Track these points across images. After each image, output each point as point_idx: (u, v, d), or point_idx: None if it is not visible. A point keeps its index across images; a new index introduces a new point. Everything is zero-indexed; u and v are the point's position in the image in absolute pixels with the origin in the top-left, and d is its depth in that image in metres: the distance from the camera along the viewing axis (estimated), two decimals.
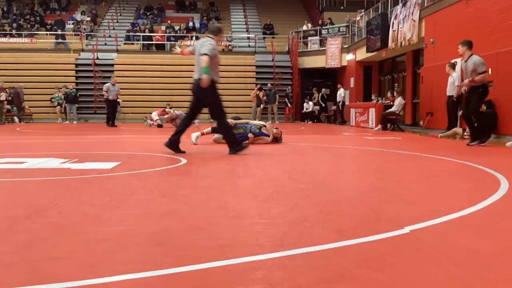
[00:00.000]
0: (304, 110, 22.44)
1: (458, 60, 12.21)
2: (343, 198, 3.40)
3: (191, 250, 2.13)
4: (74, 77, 23.63)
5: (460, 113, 11.37)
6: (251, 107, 22.58)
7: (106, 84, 17.25)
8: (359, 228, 2.54)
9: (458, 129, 11.06)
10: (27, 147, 8.04)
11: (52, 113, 21.99)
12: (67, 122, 21.39)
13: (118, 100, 17.69)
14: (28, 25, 27.06)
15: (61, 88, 21.93)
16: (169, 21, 27.73)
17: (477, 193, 3.65)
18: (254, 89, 21.94)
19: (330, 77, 24.38)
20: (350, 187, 3.85)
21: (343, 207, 3.08)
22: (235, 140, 6.76)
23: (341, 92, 20.29)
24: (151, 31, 26.41)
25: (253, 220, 2.74)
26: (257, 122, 8.83)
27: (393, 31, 16.57)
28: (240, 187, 3.90)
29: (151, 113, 19.90)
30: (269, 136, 8.50)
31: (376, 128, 14.41)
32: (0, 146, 8.28)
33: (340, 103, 20.36)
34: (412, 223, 2.62)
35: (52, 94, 21.94)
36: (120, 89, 18.26)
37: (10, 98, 20.45)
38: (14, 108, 20.96)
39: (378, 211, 2.95)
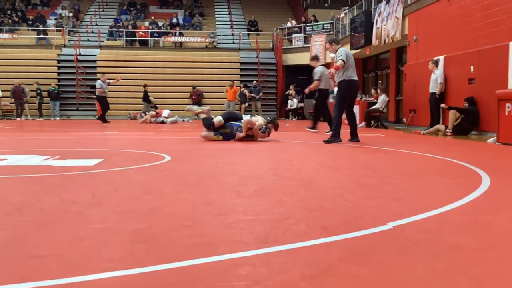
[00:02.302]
0: (288, 107, 22.47)
1: (441, 57, 12.35)
2: (327, 195, 3.40)
3: (174, 248, 2.12)
4: (56, 73, 23.36)
5: (442, 105, 11.50)
6: (237, 104, 22.55)
7: (98, 81, 17.09)
8: (343, 224, 2.55)
9: (440, 126, 11.18)
10: (8, 144, 7.92)
11: (32, 109, 21.67)
12: (52, 118, 21.18)
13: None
14: (10, 21, 26.64)
15: (32, 85, 21.61)
16: (152, 17, 27.53)
17: (459, 189, 3.68)
18: (225, 86, 21.77)
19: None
20: (334, 184, 3.86)
21: (327, 204, 3.08)
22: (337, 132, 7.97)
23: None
24: (134, 27, 26.20)
25: (237, 217, 2.73)
26: (259, 119, 8.63)
27: (377, 28, 16.66)
28: (225, 184, 3.88)
29: (134, 111, 19.90)
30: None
31: (360, 125, 14.47)
32: None
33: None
34: (395, 219, 2.64)
35: (35, 91, 21.61)
36: (114, 83, 18.21)
37: None
38: None
39: (361, 208, 2.96)
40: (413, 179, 4.23)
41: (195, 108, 8.98)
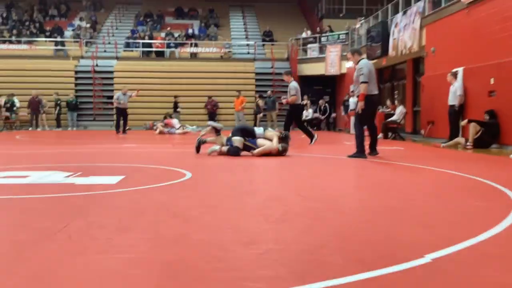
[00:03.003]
0: (304, 117, 22.37)
1: (460, 69, 12.21)
2: (356, 220, 3.34)
3: (208, 284, 2.07)
4: (73, 84, 23.56)
5: (462, 122, 11.36)
6: (251, 114, 22.55)
7: (117, 94, 17.64)
8: (379, 256, 2.48)
9: (460, 139, 11.03)
10: (29, 159, 7.97)
11: (50, 120, 21.88)
12: (70, 129, 21.41)
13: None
14: (28, 32, 26.99)
15: (51, 95, 21.86)
16: (168, 28, 27.71)
17: (491, 213, 3.59)
18: (238, 96, 21.73)
19: (329, 85, 24.38)
20: (362, 207, 3.79)
21: (357, 231, 3.01)
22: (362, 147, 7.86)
23: (355, 100, 19.88)
24: (151, 38, 26.38)
25: (268, 246, 2.67)
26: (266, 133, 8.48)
27: (394, 39, 16.56)
28: (249, 206, 3.84)
29: (153, 121, 20.02)
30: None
31: (378, 137, 14.36)
32: (2, 158, 8.21)
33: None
34: (431, 250, 2.56)
35: (54, 101, 21.86)
36: (134, 96, 18.42)
37: (8, 105, 20.44)
38: (13, 115, 20.91)
39: (394, 236, 2.89)
40: (440, 201, 4.14)
41: (217, 148, 8.57)
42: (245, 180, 5.45)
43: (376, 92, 8.03)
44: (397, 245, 2.69)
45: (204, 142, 8.44)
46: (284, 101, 11.83)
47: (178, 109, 21.49)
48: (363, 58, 8.18)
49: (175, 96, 21.67)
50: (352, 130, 17.69)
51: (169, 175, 5.68)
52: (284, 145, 8.24)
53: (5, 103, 20.32)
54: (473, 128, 10.51)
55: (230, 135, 8.30)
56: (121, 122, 17.54)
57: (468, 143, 10.51)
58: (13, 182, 5.10)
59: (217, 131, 8.39)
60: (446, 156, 8.85)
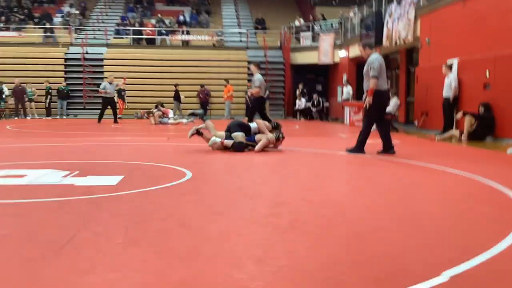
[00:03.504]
0: (297, 107, 22.35)
1: (455, 60, 12.21)
2: (366, 230, 3.30)
3: None
4: (63, 72, 23.26)
5: (457, 115, 11.37)
6: (243, 103, 22.45)
7: (103, 83, 17.49)
8: (394, 274, 2.45)
9: (455, 131, 11.06)
10: (24, 154, 7.84)
11: (40, 108, 21.59)
12: (58, 117, 21.14)
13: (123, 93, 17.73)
14: (16, 19, 26.51)
15: (42, 83, 21.56)
16: (159, 15, 27.37)
17: (500, 221, 3.58)
18: (226, 85, 21.64)
19: (322, 74, 24.31)
20: (370, 215, 3.75)
21: (370, 244, 2.98)
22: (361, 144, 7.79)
23: (348, 90, 19.87)
24: (141, 24, 26.06)
25: (281, 262, 2.63)
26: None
27: (388, 29, 16.50)
28: (256, 214, 3.79)
29: (144, 110, 19.81)
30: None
31: (372, 129, 14.36)
32: None
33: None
34: (447, 266, 2.53)
35: (45, 89, 21.55)
36: (121, 84, 18.23)
37: None
38: (2, 103, 20.60)
39: (408, 250, 2.86)
40: (448, 207, 4.11)
41: (218, 140, 8.37)
42: (247, 181, 5.40)
43: (385, 87, 7.79)
44: (411, 260, 2.66)
45: (201, 134, 8.24)
46: (249, 93, 11.80)
47: (181, 97, 21.32)
48: (374, 52, 7.86)
49: (176, 85, 21.44)
50: (346, 121, 17.72)
51: (169, 175, 5.61)
52: (278, 133, 8.24)
53: None
54: (468, 121, 10.54)
55: (227, 130, 8.18)
56: (108, 112, 17.38)
57: (462, 136, 10.54)
58: (10, 183, 5.01)
59: (199, 134, 8.20)
60: (443, 150, 8.87)
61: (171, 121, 17.69)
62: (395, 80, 18.78)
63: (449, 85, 11.93)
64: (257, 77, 11.26)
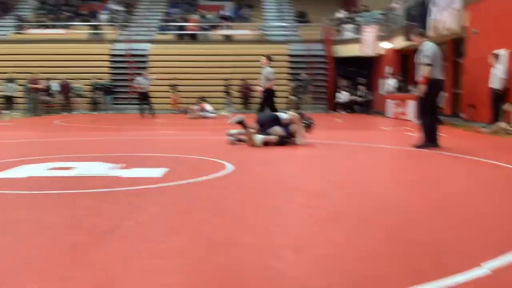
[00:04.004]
0: (337, 100, 22.14)
1: (502, 50, 11.79)
2: (406, 221, 3.28)
3: None
4: (108, 68, 23.89)
5: (505, 106, 11.00)
6: (285, 97, 22.42)
7: (137, 78, 18.18)
8: (433, 265, 2.44)
9: (502, 124, 10.70)
10: (72, 147, 8.14)
11: (85, 103, 22.28)
12: (103, 112, 21.78)
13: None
14: (64, 16, 27.40)
15: (88, 79, 22.25)
16: (201, 10, 27.65)
17: None
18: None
19: (365, 66, 23.96)
20: (409, 206, 3.72)
21: (407, 234, 2.97)
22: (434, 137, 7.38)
23: (391, 82, 19.55)
24: (184, 20, 26.42)
25: (319, 251, 2.66)
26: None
27: (433, 19, 16.08)
28: (295, 204, 3.82)
29: (184, 104, 20.13)
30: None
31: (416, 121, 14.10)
32: (46, 146, 8.42)
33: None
34: (487, 258, 2.49)
35: (91, 85, 22.26)
36: (155, 79, 18.63)
37: (45, 88, 20.83)
38: (51, 99, 21.37)
39: (447, 241, 2.83)
40: (492, 200, 4.02)
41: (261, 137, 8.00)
42: (288, 173, 5.43)
43: (440, 77, 7.42)
44: (451, 252, 2.63)
45: (244, 126, 8.15)
46: (261, 88, 11.44)
47: (230, 92, 21.64)
48: (428, 40, 7.54)
49: (226, 79, 21.75)
50: (388, 113, 17.42)
51: (212, 167, 5.69)
52: (308, 120, 8.21)
53: (44, 87, 20.73)
54: None
55: (258, 125, 8.09)
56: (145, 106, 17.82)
57: (510, 128, 10.19)
58: (59, 174, 5.22)
59: (243, 126, 8.16)
60: (489, 143, 8.62)
61: (212, 114, 17.85)
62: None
63: (495, 75, 11.54)
64: (269, 70, 11.21)
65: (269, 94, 11.29)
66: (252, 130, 7.98)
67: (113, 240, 2.88)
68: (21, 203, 3.92)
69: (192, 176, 5.04)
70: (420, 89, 7.34)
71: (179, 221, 3.32)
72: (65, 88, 21.05)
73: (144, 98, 17.82)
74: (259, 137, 7.84)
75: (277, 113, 8.33)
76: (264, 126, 8.00)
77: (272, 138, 7.76)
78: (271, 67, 11.40)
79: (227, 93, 21.47)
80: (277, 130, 7.87)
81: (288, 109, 9.45)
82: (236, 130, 8.23)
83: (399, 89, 18.46)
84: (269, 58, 11.51)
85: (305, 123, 8.18)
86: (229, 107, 20.65)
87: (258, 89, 12.00)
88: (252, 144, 7.81)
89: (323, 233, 3.03)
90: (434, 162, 6.28)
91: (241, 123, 8.04)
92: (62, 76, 21.49)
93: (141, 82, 17.64)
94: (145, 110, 17.72)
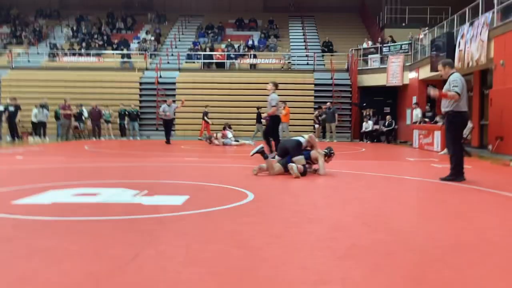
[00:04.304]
0: (364, 129, 22.04)
1: None
2: (427, 258, 3.23)
3: None
4: (138, 95, 24.39)
5: None
6: (310, 125, 22.50)
7: (162, 106, 18.55)
8: None
9: None
10: (99, 173, 8.30)
11: (115, 129, 22.69)
12: (131, 138, 22.13)
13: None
14: (96, 44, 28.22)
15: (118, 106, 22.71)
16: (229, 39, 28.14)
17: None
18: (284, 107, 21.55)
19: (391, 96, 23.88)
20: (432, 242, 3.66)
21: (429, 273, 2.91)
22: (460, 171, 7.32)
23: (417, 112, 19.46)
24: (212, 49, 26.90)
25: (337, 287, 2.64)
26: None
27: (460, 50, 16.02)
28: (314, 237, 3.81)
29: (213, 132, 20.34)
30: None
31: (442, 152, 13.90)
32: (73, 171, 8.60)
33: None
34: None
35: (119, 112, 22.74)
36: (182, 106, 18.92)
37: (76, 114, 21.35)
38: (82, 125, 21.86)
39: (470, 280, 2.78)
40: None
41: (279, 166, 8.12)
42: (308, 204, 5.42)
43: (466, 109, 7.40)
44: None
45: (264, 155, 8.21)
46: (265, 115, 11.51)
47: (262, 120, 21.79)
48: (455, 72, 7.52)
49: (258, 107, 21.94)
50: (415, 144, 17.24)
51: (232, 196, 5.73)
52: (329, 149, 8.29)
53: (75, 113, 21.26)
54: None
55: (280, 153, 8.16)
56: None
57: None
58: (84, 200, 5.33)
59: (262, 155, 8.18)
60: None
61: (235, 142, 17.96)
62: (468, 102, 18.10)
63: None
64: (274, 96, 11.22)
65: (274, 121, 11.31)
66: (272, 159, 8.04)
67: (131, 270, 2.92)
68: (45, 230, 4.01)
69: (212, 204, 5.08)
70: (434, 93, 7.52)
71: (198, 251, 3.35)
72: (96, 114, 21.51)
73: (167, 125, 18.18)
74: (278, 166, 7.90)
75: (298, 138, 8.33)
76: (287, 152, 8.03)
77: (291, 166, 7.72)
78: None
79: (258, 120, 21.64)
80: (301, 160, 7.87)
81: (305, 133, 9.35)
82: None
83: (429, 118, 18.29)
84: (275, 84, 11.58)
85: (325, 152, 8.22)
86: (255, 134, 20.80)
87: (263, 115, 12.06)
88: (273, 172, 7.85)
89: (340, 268, 3.01)
90: (458, 196, 6.18)
91: (260, 152, 8.12)
92: (93, 102, 21.99)
93: (165, 110, 18.01)
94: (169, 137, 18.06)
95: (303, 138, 8.28)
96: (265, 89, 23.41)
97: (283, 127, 21.28)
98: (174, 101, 20.18)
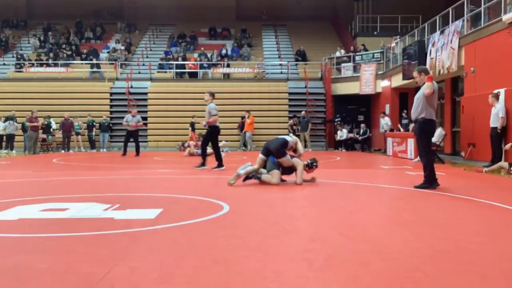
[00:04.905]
0: (338, 138, 22.17)
1: (502, 90, 11.87)
2: (406, 268, 3.18)
3: None
4: (108, 106, 24.00)
5: (506, 146, 10.97)
6: (285, 135, 22.48)
7: (126, 116, 17.86)
8: None
9: (503, 163, 10.63)
10: (68, 187, 8.06)
11: (85, 141, 22.20)
12: (102, 150, 21.70)
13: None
14: (64, 55, 27.73)
15: (86, 117, 22.24)
16: (202, 48, 28.03)
17: None
18: (248, 116, 21.64)
19: (364, 104, 24.12)
20: (409, 251, 3.63)
21: (407, 283, 2.86)
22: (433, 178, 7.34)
23: (386, 121, 19.80)
24: (184, 59, 26.74)
25: None
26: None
27: (431, 58, 16.28)
28: (291, 249, 3.72)
29: (185, 141, 20.09)
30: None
31: (416, 160, 14.05)
32: (41, 186, 8.34)
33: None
34: None
35: (87, 123, 22.22)
36: (154, 117, 18.53)
37: (44, 126, 20.78)
38: (50, 137, 21.31)
39: None
40: (494, 243, 3.93)
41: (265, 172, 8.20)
42: (284, 215, 5.34)
43: (434, 118, 7.49)
44: None
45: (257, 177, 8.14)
46: (204, 123, 11.51)
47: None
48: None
49: (243, 117, 22.04)
50: (389, 151, 17.40)
51: (207, 208, 5.62)
52: (312, 161, 8.27)
53: (43, 125, 20.69)
54: None
55: (263, 152, 8.08)
56: (131, 144, 17.39)
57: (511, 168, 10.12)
58: (53, 216, 5.13)
59: (255, 178, 8.12)
60: (490, 183, 8.54)
61: (209, 151, 17.58)
62: (440, 109, 18.38)
63: (496, 115, 11.56)
64: (212, 105, 11.23)
65: (212, 130, 11.24)
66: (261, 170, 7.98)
67: None
68: (12, 248, 3.83)
69: (186, 217, 4.96)
70: (419, 130, 7.40)
71: (172, 267, 3.22)
72: (68, 126, 20.90)
73: (131, 136, 17.35)
74: (276, 175, 7.87)
75: (285, 137, 8.24)
76: (272, 152, 7.94)
77: (265, 177, 7.83)
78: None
79: (242, 129, 21.95)
80: (275, 173, 7.84)
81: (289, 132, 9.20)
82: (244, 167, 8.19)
83: (403, 126, 18.53)
84: (211, 94, 11.61)
85: (309, 162, 8.16)
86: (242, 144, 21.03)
87: (202, 123, 12.01)
88: (275, 182, 7.82)
89: (318, 280, 2.93)
90: (433, 203, 6.20)
91: (251, 178, 8.08)
92: (62, 114, 21.50)
93: (129, 120, 17.23)
94: (132, 148, 17.36)
95: (290, 138, 8.20)
96: (239, 99, 23.66)
97: (247, 136, 21.30)
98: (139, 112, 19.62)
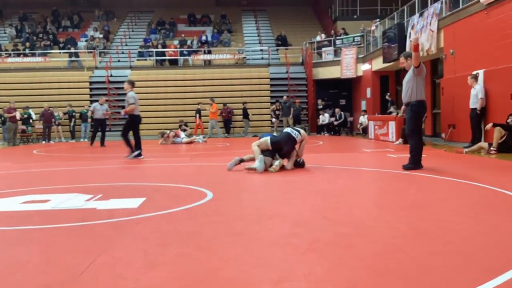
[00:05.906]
0: (320, 122, 22.25)
1: (481, 71, 12.00)
2: (388, 249, 3.22)
3: None
4: (88, 95, 23.71)
5: (487, 126, 11.13)
6: (268, 121, 22.54)
7: (93, 104, 17.51)
8: None
9: (483, 144, 10.80)
10: (49, 178, 7.96)
11: (65, 131, 21.93)
12: (83, 140, 21.46)
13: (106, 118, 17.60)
14: (41, 44, 27.24)
15: (65, 107, 21.92)
16: (182, 35, 27.77)
17: None
18: (211, 104, 21.38)
19: (346, 88, 24.22)
20: (391, 232, 3.67)
21: (390, 263, 2.90)
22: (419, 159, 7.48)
23: (364, 120, 20.00)
24: (164, 46, 26.47)
25: (299, 284, 2.58)
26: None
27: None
28: (275, 234, 3.74)
29: (167, 130, 19.96)
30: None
31: (397, 142, 14.19)
32: (22, 177, 8.23)
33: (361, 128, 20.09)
34: (471, 286, 2.45)
35: (67, 113, 21.91)
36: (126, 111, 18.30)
37: (23, 117, 20.48)
38: (29, 128, 21.01)
39: (430, 270, 2.77)
40: (475, 222, 3.99)
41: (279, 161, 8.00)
42: (268, 200, 5.36)
43: (424, 98, 7.57)
44: (434, 282, 2.57)
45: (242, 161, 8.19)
46: (122, 112, 11.36)
47: (249, 116, 22.13)
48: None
49: (244, 103, 21.95)
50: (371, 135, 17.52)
51: (190, 196, 5.61)
52: (302, 161, 8.31)
53: (21, 116, 20.36)
54: (497, 132, 10.30)
55: (272, 146, 7.97)
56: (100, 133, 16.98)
57: (492, 148, 10.28)
58: (34, 208, 5.07)
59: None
60: (471, 163, 8.66)
61: (185, 139, 17.44)
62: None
63: (475, 96, 11.71)
64: (131, 94, 11.04)
65: (132, 119, 11.09)
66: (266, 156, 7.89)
67: (87, 279, 2.76)
68: None
69: (170, 205, 4.95)
70: (409, 112, 7.50)
71: (156, 255, 3.21)
72: (48, 116, 20.59)
73: (99, 125, 17.02)
74: (275, 164, 7.80)
75: (291, 133, 8.15)
76: (279, 146, 7.94)
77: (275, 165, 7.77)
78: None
79: (245, 116, 22.08)
80: (268, 159, 7.86)
81: (299, 127, 8.90)
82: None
83: (388, 109, 18.68)
84: (131, 83, 11.47)
85: (298, 160, 8.17)
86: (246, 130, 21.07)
87: (122, 112, 11.88)
88: (275, 169, 7.77)
89: (303, 264, 2.95)
90: (415, 185, 6.27)
91: (241, 161, 8.05)
92: (41, 104, 21.19)
93: (96, 108, 16.82)
94: (97, 138, 17.04)
95: (298, 134, 8.14)
96: (220, 85, 23.55)
97: (212, 124, 21.19)
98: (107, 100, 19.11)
